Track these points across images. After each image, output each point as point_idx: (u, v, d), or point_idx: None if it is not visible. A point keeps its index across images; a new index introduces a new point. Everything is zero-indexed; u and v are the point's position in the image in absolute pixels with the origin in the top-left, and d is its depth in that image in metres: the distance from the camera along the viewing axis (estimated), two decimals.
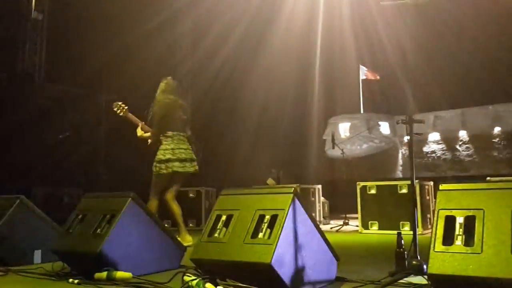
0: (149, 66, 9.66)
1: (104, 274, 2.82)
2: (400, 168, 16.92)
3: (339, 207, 8.18)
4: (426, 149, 16.86)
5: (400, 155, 16.99)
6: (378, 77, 17.43)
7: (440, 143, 16.78)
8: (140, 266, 3.07)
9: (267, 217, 2.58)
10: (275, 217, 2.54)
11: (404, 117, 2.89)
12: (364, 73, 17.47)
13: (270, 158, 11.10)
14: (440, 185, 2.33)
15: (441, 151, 16.77)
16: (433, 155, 16.69)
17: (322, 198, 7.37)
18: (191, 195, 7.30)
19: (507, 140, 15.97)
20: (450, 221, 2.19)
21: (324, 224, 7.33)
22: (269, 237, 2.48)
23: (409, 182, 5.73)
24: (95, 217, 3.21)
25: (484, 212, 2.12)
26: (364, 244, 5.19)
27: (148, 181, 4.73)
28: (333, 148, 7.10)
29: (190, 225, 7.09)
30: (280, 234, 2.44)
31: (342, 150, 7.35)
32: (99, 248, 2.94)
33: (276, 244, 2.41)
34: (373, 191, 6.10)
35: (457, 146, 16.49)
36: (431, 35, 13.55)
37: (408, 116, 2.92)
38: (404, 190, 5.83)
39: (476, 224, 2.11)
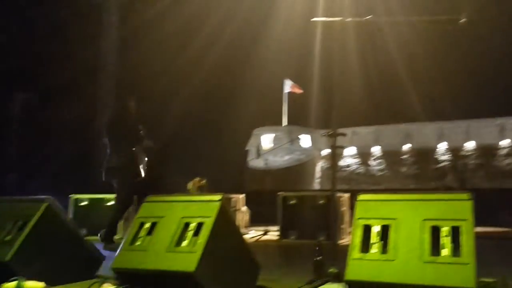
0: None
1: (13, 285, 2.61)
2: (318, 180, 17.59)
3: (260, 216, 8.29)
4: (342, 163, 17.74)
5: (317, 168, 17.71)
6: (302, 91, 18.05)
7: (355, 158, 17.73)
8: (55, 275, 2.87)
9: (193, 224, 2.55)
10: (201, 225, 2.52)
11: (328, 130, 3.03)
12: (288, 86, 18.01)
13: (193, 167, 10.99)
14: (358, 196, 2.46)
15: (356, 165, 17.73)
16: (349, 168, 17.59)
17: (244, 208, 7.43)
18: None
19: (415, 157, 17.27)
20: (367, 230, 2.33)
21: (245, 233, 7.39)
22: (194, 246, 2.45)
23: (327, 193, 6.00)
24: (5, 223, 2.97)
25: (397, 221, 2.28)
26: (283, 253, 5.30)
27: None
28: (258, 158, 7.20)
29: None
30: (206, 242, 2.42)
31: (266, 160, 7.48)
32: (7, 257, 2.72)
33: (201, 253, 2.39)
34: (293, 202, 6.27)
35: (371, 161, 17.54)
36: (356, 53, 14.32)
37: (332, 129, 3.06)
38: (323, 201, 6.06)
39: (391, 233, 2.26)
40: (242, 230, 7.22)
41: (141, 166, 5.03)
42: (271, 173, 14.70)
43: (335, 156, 2.97)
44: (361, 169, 17.62)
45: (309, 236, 5.91)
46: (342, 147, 2.96)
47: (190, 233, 2.51)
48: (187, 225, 2.56)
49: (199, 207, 2.64)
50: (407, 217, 2.28)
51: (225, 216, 2.66)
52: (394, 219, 2.29)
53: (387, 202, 2.38)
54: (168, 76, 12.92)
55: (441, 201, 2.27)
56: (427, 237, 2.17)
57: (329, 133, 2.97)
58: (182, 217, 2.59)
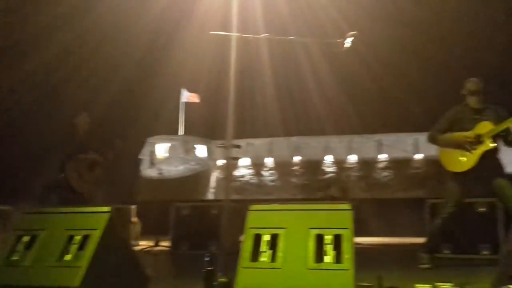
0: None
1: None
2: (212, 190, 17.70)
3: (153, 227, 8.07)
4: (236, 173, 18.07)
5: (212, 178, 17.80)
6: (199, 101, 18.06)
7: (249, 168, 18.19)
8: None
9: (78, 237, 2.40)
10: (87, 237, 2.39)
11: (223, 142, 3.07)
12: (185, 96, 17.90)
13: None
14: (250, 206, 2.53)
15: (250, 176, 18.19)
16: (242, 179, 17.97)
17: (134, 219, 7.18)
18: None
19: (304, 169, 18.24)
20: (257, 239, 2.40)
21: (135, 245, 7.13)
22: (78, 260, 2.31)
23: (221, 203, 6.04)
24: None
25: (286, 230, 2.38)
26: (175, 264, 5.22)
27: None
28: (151, 167, 7.01)
29: None
30: (92, 255, 2.29)
31: (159, 170, 7.32)
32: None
33: (87, 267, 2.26)
34: (186, 212, 6.22)
35: (263, 172, 18.13)
36: (252, 67, 14.75)
37: (227, 141, 3.11)
38: (215, 211, 6.09)
39: (279, 241, 2.35)
40: (133, 242, 6.96)
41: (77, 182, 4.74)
42: (165, 183, 14.42)
43: (229, 167, 3.01)
44: (254, 180, 18.09)
45: (201, 246, 5.89)
46: (236, 158, 3.03)
47: (74, 247, 2.36)
48: (71, 238, 2.40)
49: (85, 219, 2.49)
50: (295, 226, 2.39)
51: (113, 228, 2.54)
52: (283, 228, 2.39)
53: (276, 212, 2.48)
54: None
55: (324, 211, 2.42)
56: (311, 245, 2.30)
57: (224, 145, 3.01)
58: (66, 230, 2.43)
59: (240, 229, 2.51)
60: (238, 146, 3.12)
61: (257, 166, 17.66)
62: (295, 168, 17.57)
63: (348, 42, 2.87)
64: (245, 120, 15.51)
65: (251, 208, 2.53)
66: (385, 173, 17.54)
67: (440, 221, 4.52)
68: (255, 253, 2.35)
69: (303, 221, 2.41)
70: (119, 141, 4.90)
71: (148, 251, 6.51)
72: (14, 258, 2.39)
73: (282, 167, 17.67)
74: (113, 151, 4.97)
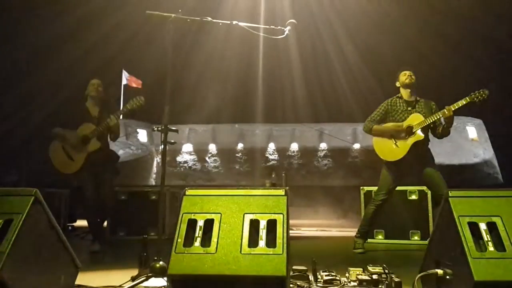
0: None
1: None
2: (154, 176, 17.37)
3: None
4: (179, 159, 17.82)
5: (155, 163, 17.46)
6: (140, 85, 17.52)
7: (192, 154, 18.00)
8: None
9: None
10: (9, 222, 2.25)
11: (161, 125, 3.00)
12: (126, 78, 17.31)
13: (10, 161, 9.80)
14: (185, 191, 2.49)
15: (193, 162, 18.01)
16: (185, 165, 17.76)
17: (68, 204, 6.91)
18: None
19: (247, 156, 18.33)
20: (192, 224, 2.37)
21: (68, 231, 6.87)
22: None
23: (159, 189, 5.94)
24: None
25: (221, 215, 2.37)
26: (111, 250, 5.08)
27: None
28: None
29: None
30: (14, 240, 2.16)
31: None
32: None
33: (7, 253, 2.13)
34: (124, 197, 6.06)
35: (207, 158, 18.02)
36: (198, 51, 14.51)
37: (163, 125, 3.04)
38: (154, 197, 5.99)
39: (214, 227, 2.34)
40: (66, 227, 6.71)
41: None
42: None
43: (165, 152, 2.94)
44: (197, 166, 17.95)
45: (139, 232, 5.77)
46: (172, 143, 2.96)
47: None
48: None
49: (8, 203, 2.34)
50: (230, 211, 2.38)
51: (39, 212, 2.41)
52: (218, 213, 2.38)
53: (212, 197, 2.46)
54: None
55: (260, 197, 2.43)
56: (246, 230, 2.31)
57: (160, 128, 2.94)
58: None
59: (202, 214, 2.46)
60: (175, 131, 3.05)
61: (200, 152, 17.49)
62: (238, 155, 17.58)
63: (287, 30, 2.88)
64: (188, 106, 15.29)
65: (186, 193, 2.50)
66: (325, 162, 17.98)
67: (373, 207, 4.72)
68: (189, 238, 2.33)
69: (238, 206, 2.41)
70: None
71: (83, 237, 6.30)
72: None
73: (225, 153, 17.62)
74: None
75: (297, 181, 17.75)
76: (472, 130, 18.11)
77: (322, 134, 18.13)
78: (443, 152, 15.77)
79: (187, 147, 18.03)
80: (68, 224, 7.12)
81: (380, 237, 5.65)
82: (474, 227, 2.11)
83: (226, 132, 18.38)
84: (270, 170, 17.86)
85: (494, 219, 2.11)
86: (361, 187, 5.94)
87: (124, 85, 17.51)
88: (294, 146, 18.58)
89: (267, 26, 2.79)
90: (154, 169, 17.77)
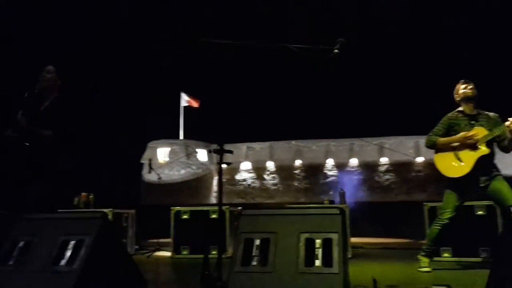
0: None
1: None
2: (214, 194, 17.69)
3: (153, 232, 8.10)
4: (238, 177, 18.07)
5: (214, 182, 17.82)
6: (198, 105, 18.09)
7: (250, 172, 18.19)
8: None
9: (72, 243, 2.44)
10: (81, 242, 2.43)
11: (214, 147, 3.11)
12: (185, 100, 17.94)
13: (83, 181, 10.42)
14: (242, 210, 2.57)
15: (251, 180, 18.19)
16: (244, 183, 17.97)
17: (134, 223, 7.21)
18: None
19: (306, 172, 18.23)
20: (249, 243, 2.43)
21: (135, 250, 7.17)
22: (71, 264, 2.34)
23: (222, 207, 6.08)
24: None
25: (277, 234, 2.42)
26: (175, 269, 5.25)
27: None
28: (150, 172, 7.06)
29: None
30: (85, 260, 2.33)
31: (158, 175, 7.37)
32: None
33: (80, 272, 2.30)
34: (186, 216, 6.25)
35: (265, 176, 18.13)
36: (251, 71, 14.80)
37: (219, 145, 3.15)
38: (215, 216, 6.13)
39: (270, 246, 2.38)
40: (133, 246, 7.00)
41: None
42: (167, 187, 14.47)
43: (221, 172, 3.04)
44: (256, 183, 18.12)
45: (201, 250, 5.92)
46: (228, 164, 3.06)
47: (68, 252, 2.40)
48: (65, 243, 2.44)
49: (80, 225, 2.53)
50: (285, 231, 2.42)
51: (107, 233, 2.58)
52: (273, 232, 2.42)
53: (267, 217, 2.51)
54: None
55: (315, 216, 2.45)
56: (302, 249, 2.33)
57: (215, 150, 3.05)
58: (59, 235, 2.47)
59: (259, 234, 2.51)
60: (230, 152, 3.15)
61: (259, 169, 17.64)
62: (296, 171, 17.53)
63: (337, 48, 2.90)
64: (245, 124, 15.55)
65: (243, 213, 2.57)
66: (387, 176, 17.49)
67: (439, 227, 4.53)
68: (247, 257, 2.39)
69: (293, 225, 2.45)
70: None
71: (149, 256, 6.55)
72: (10, 263, 2.42)
73: (283, 170, 17.63)
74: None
75: (357, 197, 17.35)
76: None
77: (383, 148, 17.67)
78: None
79: (246, 165, 18.26)
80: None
81: (446, 255, 5.40)
82: None
83: (283, 149, 18.42)
84: (328, 187, 17.66)
85: None
86: (424, 203, 5.73)
87: (184, 107, 18.13)
88: (354, 161, 18.25)
89: (314, 46, 2.83)
90: (214, 188, 18.11)
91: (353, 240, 6.83)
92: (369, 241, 8.98)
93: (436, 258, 5.13)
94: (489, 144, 4.28)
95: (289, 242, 2.38)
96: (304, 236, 2.38)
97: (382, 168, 18.10)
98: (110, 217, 6.00)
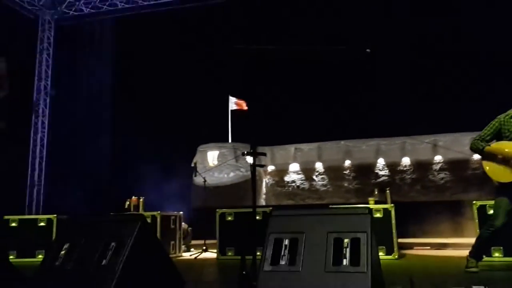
0: None
1: None
2: (264, 196, 17.81)
3: (202, 233, 8.33)
4: (287, 178, 18.09)
5: (264, 184, 17.94)
6: (246, 108, 18.27)
7: (299, 174, 18.16)
8: None
9: (112, 244, 2.60)
10: (121, 244, 2.58)
11: (248, 150, 3.19)
12: (233, 103, 18.21)
13: (132, 184, 10.89)
14: (271, 211, 2.63)
15: (300, 181, 18.15)
16: (293, 184, 17.95)
17: (184, 225, 7.45)
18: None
19: (355, 172, 17.94)
20: (278, 243, 2.49)
21: (184, 251, 7.40)
22: (112, 265, 2.50)
23: (265, 209, 6.17)
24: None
25: (305, 234, 2.46)
26: (219, 269, 5.38)
27: None
28: (195, 176, 7.27)
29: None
30: (125, 261, 2.47)
31: (204, 178, 7.59)
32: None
33: (120, 272, 2.45)
34: (230, 218, 6.39)
35: (314, 177, 18.02)
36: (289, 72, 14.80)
37: (252, 149, 3.23)
38: (258, 217, 6.21)
39: (298, 245, 2.43)
40: (182, 247, 7.24)
41: None
42: (216, 190, 14.78)
43: (254, 173, 3.11)
44: (305, 185, 18.07)
45: (247, 252, 6.00)
46: (262, 166, 3.12)
47: (109, 253, 2.56)
48: (107, 244, 2.60)
49: (119, 228, 2.69)
50: (314, 230, 2.46)
51: (146, 235, 2.73)
52: (302, 232, 2.47)
53: (296, 217, 2.56)
54: None
55: (343, 215, 2.47)
56: (330, 248, 2.36)
57: (248, 152, 3.13)
58: (102, 237, 2.64)
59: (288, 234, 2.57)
60: (263, 154, 3.22)
61: (307, 171, 17.58)
62: (346, 172, 17.31)
63: (367, 48, 2.88)
64: (291, 126, 15.57)
65: (272, 214, 2.63)
66: (442, 175, 16.89)
67: (489, 233, 4.35)
68: (276, 257, 2.45)
69: (321, 225, 2.48)
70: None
71: (196, 257, 6.74)
72: (57, 263, 2.62)
73: (333, 171, 17.47)
74: None
75: (411, 197, 16.87)
76: None
77: (436, 146, 17.08)
78: None
79: (294, 166, 18.23)
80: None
81: (497, 254, 5.17)
82: None
83: (332, 150, 18.23)
84: (381, 186, 17.27)
85: None
86: (474, 202, 5.53)
87: (232, 111, 18.40)
88: (406, 160, 17.76)
89: (347, 47, 2.84)
90: (264, 190, 18.23)
91: (403, 240, 6.68)
92: (420, 241, 8.73)
93: (486, 258, 4.94)
94: None
95: (317, 241, 2.41)
96: (332, 236, 2.41)
97: (436, 167, 17.45)
98: (149, 220, 6.23)
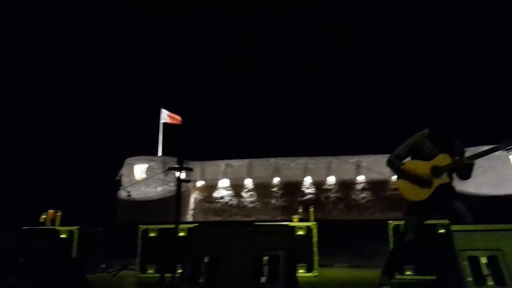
0: None
1: None
2: (191, 212, 17.61)
3: (123, 250, 8.01)
4: (216, 194, 18.02)
5: (192, 200, 17.72)
6: (180, 121, 18.03)
7: (229, 189, 18.17)
8: None
9: None
10: None
11: (174, 165, 3.14)
12: (165, 116, 17.90)
13: (53, 198, 10.28)
14: (194, 228, 2.59)
15: (229, 197, 18.16)
16: (222, 200, 17.93)
17: (102, 241, 7.13)
18: None
19: (283, 190, 18.30)
20: (198, 261, 2.46)
21: (101, 268, 7.06)
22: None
23: (188, 225, 6.06)
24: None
25: (226, 252, 2.45)
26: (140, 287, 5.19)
27: None
28: (119, 190, 7.02)
29: None
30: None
31: (128, 192, 7.34)
32: None
33: None
34: (153, 234, 6.21)
35: (243, 193, 18.13)
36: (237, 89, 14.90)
37: (179, 163, 3.18)
38: (183, 234, 6.09)
39: (218, 263, 2.42)
40: (100, 265, 6.90)
41: None
42: (142, 205, 14.35)
43: (179, 189, 3.07)
44: (234, 201, 18.07)
45: (167, 269, 5.86)
46: (188, 181, 3.09)
47: None
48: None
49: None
50: (234, 248, 2.46)
51: (60, 251, 2.58)
52: (222, 250, 2.46)
53: (217, 234, 2.54)
54: None
55: (263, 233, 2.49)
56: (249, 265, 2.37)
57: (173, 167, 3.08)
58: None
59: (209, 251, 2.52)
60: (190, 169, 3.19)
61: (237, 187, 17.67)
62: (274, 189, 17.61)
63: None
64: (223, 142, 15.63)
65: (193, 231, 2.60)
66: (364, 195, 17.71)
67: (400, 248, 4.58)
68: (195, 275, 2.41)
69: (243, 242, 2.49)
70: None
71: (114, 274, 6.45)
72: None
73: (261, 188, 17.71)
74: None
75: (335, 215, 17.49)
76: None
77: (359, 167, 17.92)
78: (487, 183, 15.14)
79: (224, 182, 18.24)
80: None
81: (409, 272, 5.48)
82: (474, 261, 2.08)
83: (262, 166, 18.50)
84: (306, 204, 17.73)
85: (495, 253, 2.07)
86: (389, 221, 5.83)
87: (163, 123, 18.08)
88: (331, 179, 18.44)
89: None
90: (191, 205, 18.02)
91: (324, 258, 6.85)
92: (339, 259, 9.01)
93: (399, 276, 5.20)
94: (450, 172, 4.38)
95: (237, 259, 2.41)
96: (252, 253, 2.42)
97: (359, 186, 18.26)
98: (65, 235, 5.97)
